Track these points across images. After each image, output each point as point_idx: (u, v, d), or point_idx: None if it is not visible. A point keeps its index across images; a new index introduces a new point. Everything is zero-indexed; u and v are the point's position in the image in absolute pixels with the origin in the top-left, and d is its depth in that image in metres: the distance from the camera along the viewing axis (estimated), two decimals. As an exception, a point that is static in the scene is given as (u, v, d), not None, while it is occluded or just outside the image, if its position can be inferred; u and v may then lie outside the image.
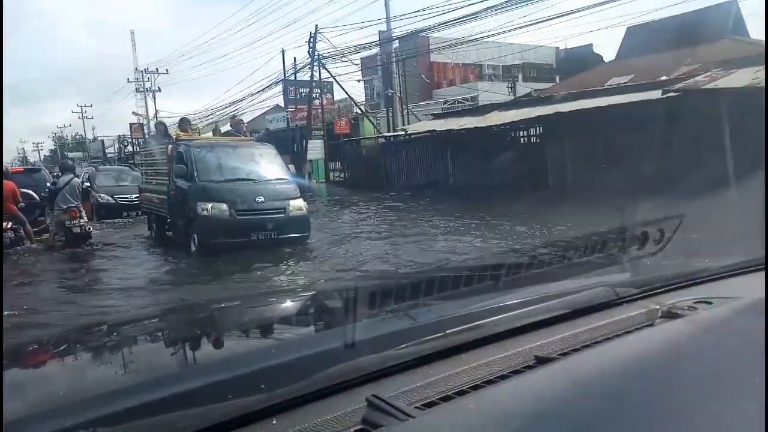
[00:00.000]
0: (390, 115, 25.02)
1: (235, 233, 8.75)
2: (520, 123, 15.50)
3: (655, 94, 11.78)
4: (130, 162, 48.89)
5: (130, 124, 46.17)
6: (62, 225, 10.45)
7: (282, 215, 9.15)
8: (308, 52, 21.50)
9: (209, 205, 8.84)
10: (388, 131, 23.21)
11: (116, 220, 15.57)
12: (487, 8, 18.67)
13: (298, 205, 9.41)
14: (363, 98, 33.80)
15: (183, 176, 9.38)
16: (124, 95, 79.14)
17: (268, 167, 9.94)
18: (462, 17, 19.55)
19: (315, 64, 22.04)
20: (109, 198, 16.30)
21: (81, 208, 10.74)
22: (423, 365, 1.01)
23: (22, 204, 11.07)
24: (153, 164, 11.77)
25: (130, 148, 49.56)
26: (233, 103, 29.81)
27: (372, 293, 1.40)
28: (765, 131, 3.15)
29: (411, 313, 1.28)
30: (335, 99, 31.05)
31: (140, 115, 45.29)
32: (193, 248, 9.10)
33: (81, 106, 60.32)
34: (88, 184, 16.03)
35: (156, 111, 42.46)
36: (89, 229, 10.79)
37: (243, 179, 9.50)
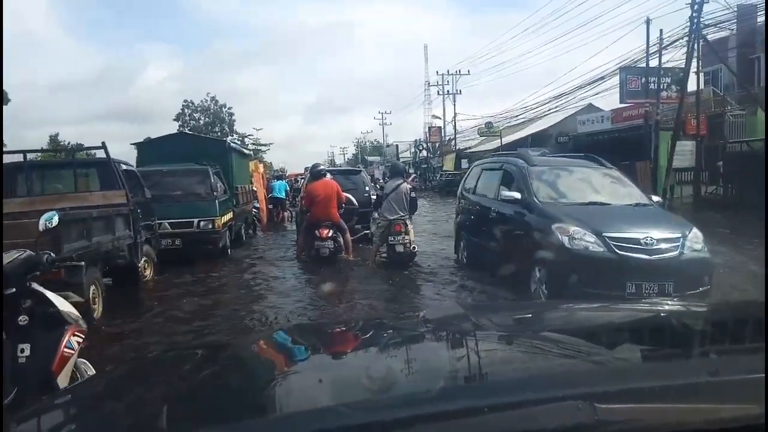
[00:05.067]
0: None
1: None
2: None
3: None
4: (423, 166, 48.87)
5: (429, 127, 45.44)
6: (385, 239, 8.82)
7: None
8: (690, 17, 15.23)
9: None
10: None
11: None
12: None
13: None
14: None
15: None
16: (417, 104, 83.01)
17: None
18: None
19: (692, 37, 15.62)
20: (587, 236, 5.96)
21: (407, 222, 8.88)
22: None
23: (342, 209, 9.52)
24: None
25: (424, 153, 49.30)
26: (555, 97, 24.95)
27: None
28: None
29: None
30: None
31: (438, 117, 43.94)
32: None
33: (381, 113, 63.64)
34: (516, 196, 6.97)
35: (455, 114, 40.40)
36: (415, 248, 8.90)
37: None
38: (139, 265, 7.45)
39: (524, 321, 1.70)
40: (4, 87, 32.81)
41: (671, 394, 0.86)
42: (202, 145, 12.60)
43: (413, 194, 9.28)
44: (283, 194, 18.01)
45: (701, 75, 27.94)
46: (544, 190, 6.97)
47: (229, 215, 10.93)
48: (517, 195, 6.93)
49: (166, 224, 9.33)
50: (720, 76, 28.67)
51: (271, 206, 17.60)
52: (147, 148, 11.57)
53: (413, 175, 40.15)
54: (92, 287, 5.61)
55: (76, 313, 2.98)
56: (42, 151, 8.71)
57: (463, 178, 9.57)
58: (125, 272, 7.06)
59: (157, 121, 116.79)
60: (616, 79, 24.08)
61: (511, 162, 7.88)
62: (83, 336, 2.96)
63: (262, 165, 20.77)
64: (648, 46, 17.94)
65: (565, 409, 0.79)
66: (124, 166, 7.60)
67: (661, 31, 17.52)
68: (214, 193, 10.12)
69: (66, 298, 3.07)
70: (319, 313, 6.44)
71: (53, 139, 50.64)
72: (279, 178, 20.57)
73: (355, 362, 1.36)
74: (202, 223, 9.67)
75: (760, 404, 0.81)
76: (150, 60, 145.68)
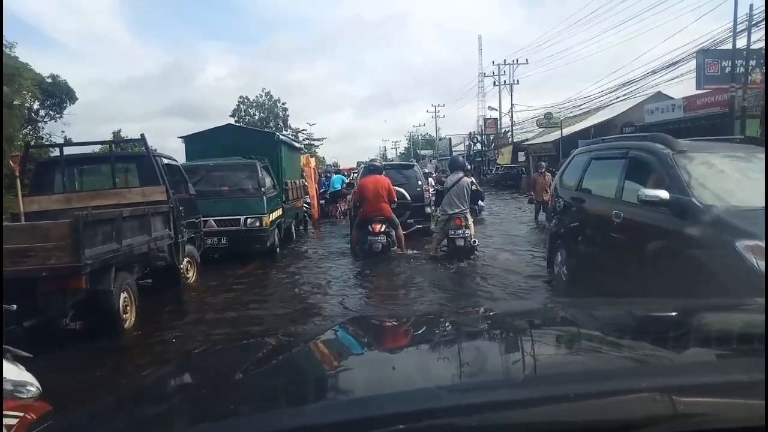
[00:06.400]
0: None
1: None
2: None
3: None
4: (478, 159, 47.51)
5: (485, 119, 44.06)
6: (446, 234, 8.85)
7: None
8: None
9: None
10: None
11: None
12: None
13: None
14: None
15: None
16: (470, 96, 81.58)
17: None
18: None
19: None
20: None
21: (467, 216, 8.83)
22: None
23: (394, 204, 9.44)
24: None
25: (479, 145, 47.89)
26: (622, 85, 23.36)
27: None
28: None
29: None
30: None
31: (494, 109, 42.45)
32: None
33: (435, 106, 62.61)
34: (663, 195, 4.69)
35: (512, 105, 38.89)
36: (475, 242, 8.90)
37: None
38: (181, 266, 6.98)
39: (603, 316, 1.67)
40: (72, 86, 33.85)
41: (752, 390, 0.83)
42: (251, 137, 12.07)
43: (474, 187, 9.26)
44: (339, 185, 17.62)
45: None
46: (705, 188, 4.63)
47: (278, 212, 10.41)
48: (664, 195, 4.67)
49: (212, 222, 8.88)
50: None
51: (323, 202, 17.12)
52: (194, 142, 11.19)
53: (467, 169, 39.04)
54: (123, 295, 5.05)
55: (17, 376, 2.16)
56: (77, 144, 8.29)
57: (560, 170, 7.40)
58: (165, 274, 6.58)
59: (215, 118, 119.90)
60: (688, 65, 22.34)
61: (643, 148, 5.48)
62: (21, 413, 2.04)
63: (313, 159, 20.30)
64: (735, 24, 16.19)
65: (643, 401, 0.80)
66: (165, 160, 7.12)
67: (751, 6, 15.72)
68: (262, 189, 9.60)
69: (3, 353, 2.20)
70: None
71: (116, 135, 52.17)
72: (337, 172, 20.41)
73: (426, 352, 1.36)
74: (249, 221, 9.17)
75: None
76: (209, 58, 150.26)
